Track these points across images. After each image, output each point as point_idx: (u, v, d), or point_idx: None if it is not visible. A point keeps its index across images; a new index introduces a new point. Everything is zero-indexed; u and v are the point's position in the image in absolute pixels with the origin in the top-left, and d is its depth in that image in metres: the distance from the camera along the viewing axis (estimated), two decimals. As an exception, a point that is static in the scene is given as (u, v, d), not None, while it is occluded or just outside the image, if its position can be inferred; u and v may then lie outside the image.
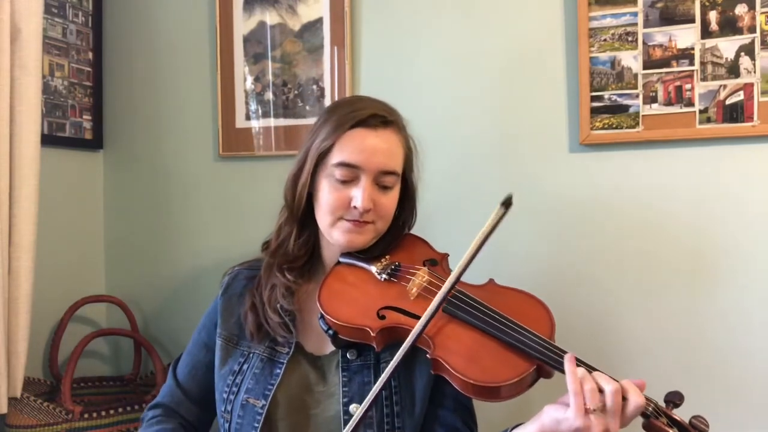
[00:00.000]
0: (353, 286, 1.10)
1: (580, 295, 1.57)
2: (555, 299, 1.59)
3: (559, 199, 1.59)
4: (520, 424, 0.97)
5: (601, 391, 0.88)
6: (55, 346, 1.84)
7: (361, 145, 1.08)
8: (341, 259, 1.15)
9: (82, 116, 2.00)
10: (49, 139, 1.84)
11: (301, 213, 1.14)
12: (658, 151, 1.51)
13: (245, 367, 1.12)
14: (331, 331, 1.05)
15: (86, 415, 1.62)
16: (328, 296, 1.08)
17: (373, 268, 1.11)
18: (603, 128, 1.53)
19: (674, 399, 0.93)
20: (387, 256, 1.14)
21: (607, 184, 1.55)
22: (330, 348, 1.11)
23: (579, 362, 0.93)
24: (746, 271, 1.45)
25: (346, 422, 1.04)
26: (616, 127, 1.52)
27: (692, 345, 1.49)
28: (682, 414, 0.93)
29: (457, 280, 0.99)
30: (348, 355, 1.09)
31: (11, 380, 1.63)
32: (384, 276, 1.09)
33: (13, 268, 1.63)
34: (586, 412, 0.87)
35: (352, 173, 1.08)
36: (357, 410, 1.04)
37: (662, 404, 0.93)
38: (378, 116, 1.10)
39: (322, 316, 1.06)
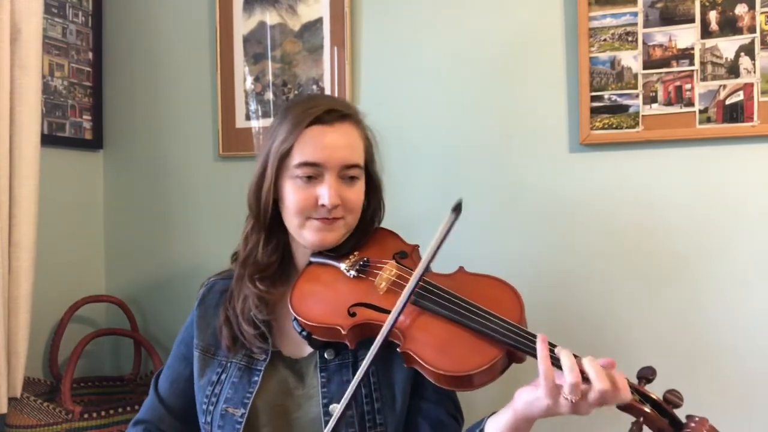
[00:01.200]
0: (324, 286, 1.09)
1: (579, 294, 1.57)
2: (554, 298, 1.60)
3: (559, 199, 1.59)
4: (495, 413, 0.96)
5: (585, 380, 0.85)
6: (55, 346, 1.84)
7: (320, 143, 1.07)
8: (312, 259, 1.14)
9: (82, 116, 2.00)
10: (49, 139, 1.84)
11: (268, 219, 1.13)
12: (658, 151, 1.51)
13: (223, 377, 1.11)
14: (304, 333, 1.05)
15: (86, 415, 1.62)
16: (298, 298, 1.07)
17: (342, 265, 1.09)
18: (603, 128, 1.53)
19: (646, 375, 0.92)
20: (356, 253, 1.12)
21: (607, 184, 1.55)
22: (308, 350, 1.10)
23: (552, 347, 0.91)
24: (746, 270, 1.45)
25: (327, 423, 1.03)
26: (616, 127, 1.52)
27: (692, 343, 1.49)
28: (656, 389, 0.91)
29: (418, 281, 0.98)
30: (326, 356, 1.08)
31: (11, 380, 1.63)
32: (352, 272, 1.08)
33: (13, 268, 1.63)
34: (559, 392, 0.85)
35: (315, 172, 1.07)
36: (336, 410, 1.04)
37: (635, 381, 0.91)
38: (334, 111, 1.09)
39: (295, 319, 1.06)
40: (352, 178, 1.10)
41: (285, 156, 1.08)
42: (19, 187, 1.64)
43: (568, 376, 0.85)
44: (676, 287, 1.50)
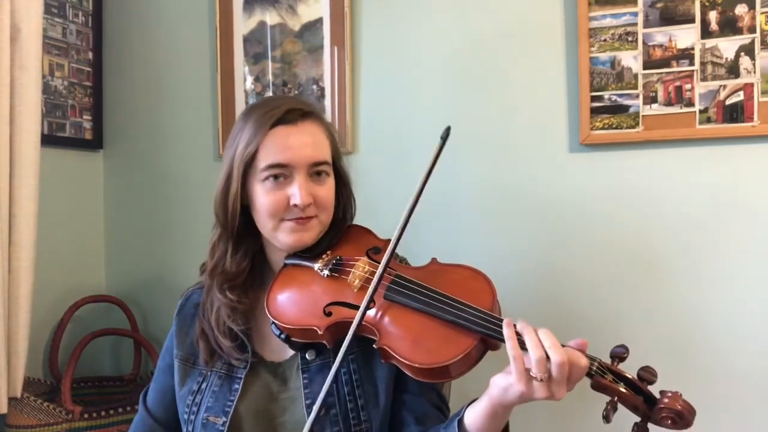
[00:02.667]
0: (299, 287, 1.09)
1: (578, 293, 1.57)
2: (554, 298, 1.60)
3: (559, 199, 1.59)
4: (475, 401, 0.96)
5: (547, 358, 0.86)
6: (55, 346, 1.84)
7: (285, 143, 1.06)
8: (286, 261, 1.13)
9: (82, 116, 2.00)
10: (49, 139, 1.84)
11: (236, 227, 1.11)
12: (658, 151, 1.51)
13: (204, 386, 1.11)
14: (283, 335, 1.05)
15: (86, 415, 1.62)
16: (274, 301, 1.07)
17: (316, 265, 1.09)
18: (603, 128, 1.53)
19: (619, 354, 0.91)
20: (329, 252, 1.12)
21: (607, 184, 1.55)
22: (289, 353, 1.10)
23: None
24: (746, 269, 1.45)
25: (312, 423, 1.02)
26: (616, 127, 1.52)
27: (691, 343, 1.49)
28: (629, 366, 0.91)
29: (396, 244, 0.99)
30: (307, 356, 1.08)
31: (11, 380, 1.63)
32: (326, 272, 1.07)
33: (13, 267, 1.63)
34: (530, 378, 0.85)
35: (283, 173, 1.06)
36: (321, 411, 1.03)
37: (607, 361, 0.91)
38: (295, 110, 1.08)
39: (272, 323, 1.06)
40: (320, 174, 1.09)
41: (250, 160, 1.07)
42: (19, 187, 1.64)
43: (532, 353, 0.85)
44: (675, 286, 1.50)
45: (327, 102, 1.78)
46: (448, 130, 1.02)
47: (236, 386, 1.08)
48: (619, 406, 0.88)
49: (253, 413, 1.07)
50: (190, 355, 1.15)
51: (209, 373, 1.11)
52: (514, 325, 0.90)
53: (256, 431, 1.06)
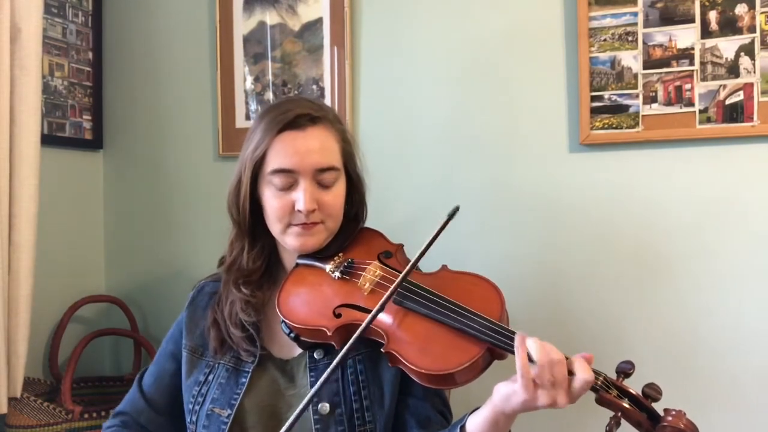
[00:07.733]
0: (310, 288, 1.10)
1: (578, 294, 1.57)
2: (553, 298, 1.60)
3: (558, 199, 1.59)
4: (478, 408, 0.96)
5: (551, 364, 0.86)
6: (55, 346, 1.84)
7: (291, 148, 1.07)
8: (299, 261, 1.14)
9: (82, 116, 2.00)
10: (49, 139, 1.84)
11: (248, 226, 1.13)
12: (658, 151, 1.51)
13: (210, 377, 1.12)
14: (292, 334, 1.06)
15: (86, 415, 1.62)
16: (285, 300, 1.09)
17: (327, 267, 1.10)
18: (603, 128, 1.53)
19: (625, 369, 0.91)
20: (341, 254, 1.13)
21: (606, 184, 1.55)
22: (298, 350, 1.11)
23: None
24: (746, 270, 1.45)
25: (316, 422, 1.04)
26: (616, 127, 1.52)
27: (691, 343, 1.49)
28: (635, 383, 0.91)
29: (402, 280, 0.99)
30: (315, 355, 1.09)
31: (11, 380, 1.63)
32: (337, 274, 1.09)
33: (13, 268, 1.63)
34: (535, 386, 0.86)
35: (289, 178, 1.07)
36: (327, 409, 1.04)
37: (613, 376, 0.92)
38: (304, 115, 1.09)
39: (283, 321, 1.07)
40: (329, 183, 1.10)
41: (259, 164, 1.09)
42: (19, 187, 1.64)
43: (537, 357, 0.86)
44: (675, 286, 1.50)
45: (326, 102, 1.77)
46: (456, 209, 1.01)
47: (243, 380, 1.09)
48: (623, 421, 0.88)
49: (259, 408, 1.07)
50: (199, 346, 1.16)
51: (217, 365, 1.12)
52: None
53: (260, 426, 1.07)
